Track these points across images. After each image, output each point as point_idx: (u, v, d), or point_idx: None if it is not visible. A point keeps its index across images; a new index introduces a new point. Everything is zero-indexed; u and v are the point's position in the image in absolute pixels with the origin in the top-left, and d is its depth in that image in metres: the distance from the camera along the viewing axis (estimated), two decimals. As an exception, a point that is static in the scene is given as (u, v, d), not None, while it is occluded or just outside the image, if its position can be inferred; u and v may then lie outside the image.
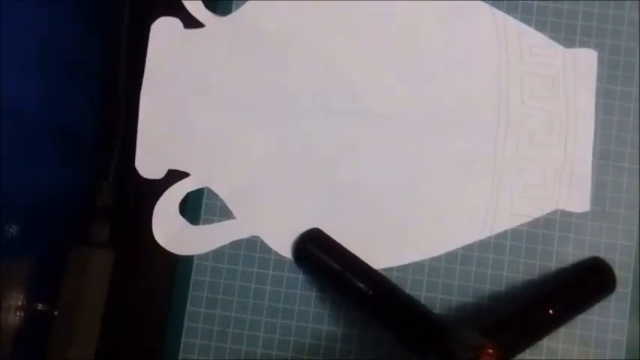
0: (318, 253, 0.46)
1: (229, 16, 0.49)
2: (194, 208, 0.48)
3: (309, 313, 0.47)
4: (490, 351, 0.40)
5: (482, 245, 0.47)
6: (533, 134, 0.47)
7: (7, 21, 0.39)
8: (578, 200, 0.47)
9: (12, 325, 0.41)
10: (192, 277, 0.47)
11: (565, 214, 0.47)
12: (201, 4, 0.49)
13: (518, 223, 0.47)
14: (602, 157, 0.47)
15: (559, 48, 0.48)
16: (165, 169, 0.48)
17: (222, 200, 0.48)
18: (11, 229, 0.41)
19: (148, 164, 0.48)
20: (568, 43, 0.48)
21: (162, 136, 0.48)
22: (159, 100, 0.48)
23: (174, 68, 0.49)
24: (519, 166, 0.47)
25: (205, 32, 0.49)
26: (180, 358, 0.47)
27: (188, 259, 0.47)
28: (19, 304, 0.42)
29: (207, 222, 0.48)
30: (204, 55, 0.49)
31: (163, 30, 0.49)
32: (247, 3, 0.49)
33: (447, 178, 0.47)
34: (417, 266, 0.47)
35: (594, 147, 0.47)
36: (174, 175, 0.48)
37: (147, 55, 0.49)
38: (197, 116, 0.48)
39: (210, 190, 0.48)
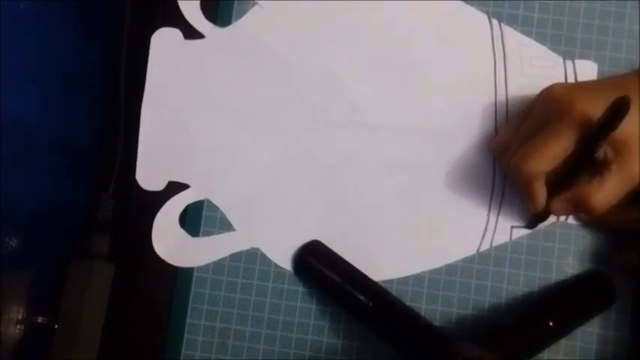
0: (318, 265, 0.46)
1: (229, 27, 0.49)
2: (194, 220, 0.48)
3: (309, 325, 0.47)
4: (490, 363, 0.40)
5: (482, 257, 0.47)
6: (533, 147, 0.47)
7: (7, 34, 0.39)
8: (579, 213, 0.47)
9: (12, 339, 0.41)
10: (193, 289, 0.47)
11: (565, 226, 0.47)
12: (201, 14, 0.49)
13: (519, 236, 0.47)
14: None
15: (559, 60, 0.47)
16: (166, 181, 0.48)
17: (222, 212, 0.48)
18: (11, 242, 0.41)
19: (149, 176, 0.48)
20: (568, 55, 0.48)
21: (162, 148, 0.48)
22: (159, 112, 0.48)
23: (174, 79, 0.49)
24: (519, 178, 0.47)
25: (206, 43, 0.49)
26: (180, 370, 0.47)
27: (188, 272, 0.47)
28: (20, 317, 0.42)
29: (207, 234, 0.48)
30: (205, 66, 0.49)
31: (163, 41, 0.49)
32: (248, 14, 0.49)
33: (447, 190, 0.47)
34: (417, 278, 0.47)
35: (594, 159, 0.47)
36: (175, 187, 0.48)
37: (147, 66, 0.49)
38: (197, 128, 0.48)
39: (210, 203, 0.48)
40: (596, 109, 0.38)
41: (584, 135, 0.39)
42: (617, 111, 0.36)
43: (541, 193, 0.42)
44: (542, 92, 0.42)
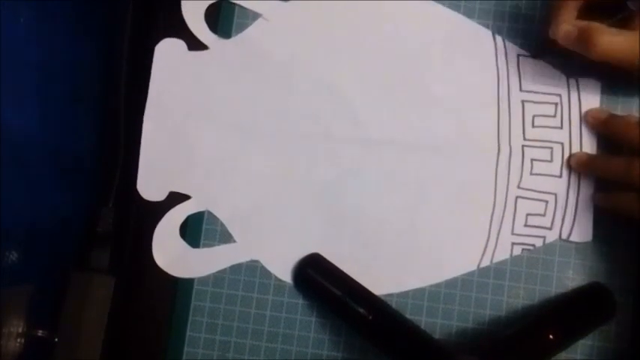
0: (318, 278, 0.46)
1: (233, 39, 0.49)
2: (194, 231, 0.48)
3: (309, 338, 0.47)
4: (490, 377, 0.40)
5: (482, 271, 0.47)
6: (534, 163, 0.47)
7: (7, 47, 0.39)
8: (581, 230, 0.46)
9: (13, 352, 0.41)
10: (193, 302, 0.47)
11: (565, 240, 0.47)
12: (205, 26, 0.49)
13: (519, 252, 0.47)
14: (604, 185, 0.47)
15: (562, 76, 0.47)
16: (167, 192, 0.48)
17: (222, 225, 0.48)
18: (11, 255, 0.41)
19: (150, 186, 0.48)
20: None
21: (164, 158, 0.48)
22: (161, 122, 0.48)
23: (177, 90, 0.49)
24: (521, 194, 0.47)
25: (209, 54, 0.49)
26: (180, 382, 0.47)
27: (188, 285, 0.47)
28: (20, 330, 0.42)
29: (208, 246, 0.48)
30: (208, 77, 0.49)
31: (167, 51, 0.49)
32: (252, 26, 0.49)
33: (448, 206, 0.47)
34: (417, 291, 0.47)
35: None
36: (176, 198, 0.48)
37: (151, 76, 0.49)
38: (199, 139, 0.48)
39: (210, 215, 0.48)
40: None
41: None
42: None
43: (568, 16, 0.42)
44: None
